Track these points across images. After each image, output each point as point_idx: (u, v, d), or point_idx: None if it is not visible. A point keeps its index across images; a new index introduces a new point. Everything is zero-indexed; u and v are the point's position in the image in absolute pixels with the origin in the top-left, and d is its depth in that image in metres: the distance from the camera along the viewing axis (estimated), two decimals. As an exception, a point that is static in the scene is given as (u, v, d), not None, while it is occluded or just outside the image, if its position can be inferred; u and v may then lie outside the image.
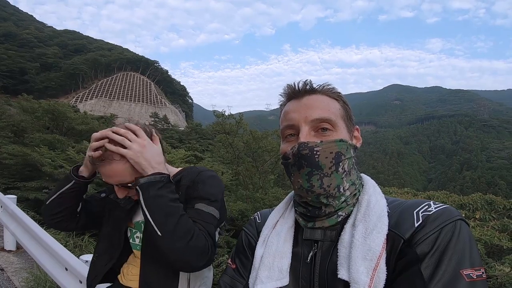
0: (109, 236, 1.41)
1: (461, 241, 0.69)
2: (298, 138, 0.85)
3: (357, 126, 0.94)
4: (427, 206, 0.76)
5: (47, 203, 1.38)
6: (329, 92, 0.91)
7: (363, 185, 0.91)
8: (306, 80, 0.91)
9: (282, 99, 0.97)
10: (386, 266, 0.72)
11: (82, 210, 1.44)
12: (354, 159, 0.89)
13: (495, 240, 4.18)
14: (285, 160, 0.88)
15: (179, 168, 1.42)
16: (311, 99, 0.88)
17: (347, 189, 0.86)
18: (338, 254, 0.79)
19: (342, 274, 0.74)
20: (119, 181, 1.20)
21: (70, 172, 1.36)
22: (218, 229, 1.31)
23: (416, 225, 0.73)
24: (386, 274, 0.71)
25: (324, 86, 0.91)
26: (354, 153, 0.89)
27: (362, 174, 0.96)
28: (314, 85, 0.91)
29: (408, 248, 0.72)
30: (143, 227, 1.32)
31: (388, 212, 0.80)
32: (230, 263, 1.03)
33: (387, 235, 0.75)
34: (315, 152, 0.82)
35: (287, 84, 0.93)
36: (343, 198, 0.85)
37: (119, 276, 1.43)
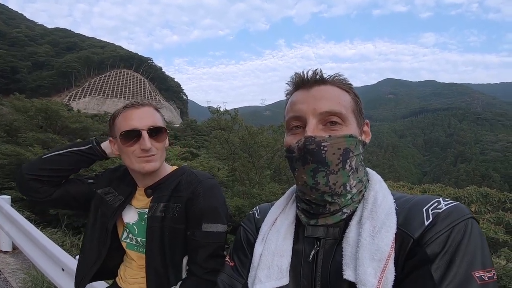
0: (95, 234, 1.35)
1: (473, 241, 0.66)
2: (305, 131, 0.79)
3: (367, 121, 0.87)
4: (436, 203, 0.72)
5: (44, 156, 1.31)
6: (340, 83, 0.84)
7: (368, 181, 0.86)
8: (316, 69, 0.84)
9: (289, 87, 0.89)
10: (394, 266, 0.69)
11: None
12: (362, 155, 0.84)
13: (490, 233, 4.21)
14: (290, 154, 0.83)
15: (174, 167, 1.37)
16: (321, 90, 0.82)
17: (354, 186, 0.81)
18: (343, 253, 0.75)
19: (348, 275, 0.71)
20: (152, 123, 1.21)
21: (93, 139, 1.36)
22: None
23: (426, 223, 0.70)
24: (395, 275, 0.68)
25: (335, 77, 0.84)
26: (363, 149, 0.84)
27: (367, 169, 0.90)
28: (325, 75, 0.84)
29: (418, 248, 0.68)
30: (136, 230, 1.29)
31: (396, 209, 0.76)
32: (228, 260, 0.99)
33: (396, 233, 0.72)
34: (322, 148, 0.76)
35: (295, 73, 0.86)
36: (349, 196, 0.81)
37: (117, 278, 1.40)
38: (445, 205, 0.71)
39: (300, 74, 0.85)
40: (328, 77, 0.84)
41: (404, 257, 0.70)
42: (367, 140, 0.86)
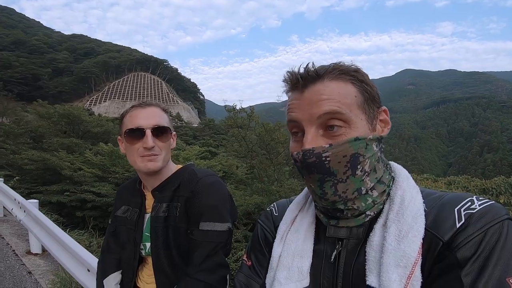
0: (124, 250, 1.37)
1: (509, 244, 0.61)
2: (304, 140, 0.72)
3: (384, 107, 0.76)
4: (470, 203, 0.67)
5: None
6: (339, 74, 0.72)
7: (394, 178, 0.78)
8: (308, 65, 0.73)
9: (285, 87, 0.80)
10: (421, 271, 0.65)
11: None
12: (381, 150, 0.76)
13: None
14: (294, 163, 0.77)
15: (178, 166, 1.37)
16: (316, 90, 0.71)
17: (373, 188, 0.74)
18: (366, 257, 0.71)
19: (372, 281, 0.67)
20: (156, 122, 1.23)
21: None
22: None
23: (458, 225, 0.64)
24: (421, 281, 0.64)
25: (333, 68, 0.72)
26: (379, 145, 0.74)
27: (392, 163, 0.82)
28: (320, 68, 0.73)
29: (448, 252, 0.64)
30: (149, 237, 1.30)
31: (425, 210, 0.70)
32: (246, 259, 0.95)
33: (424, 236, 0.67)
34: (324, 159, 0.69)
35: (287, 72, 0.76)
36: (369, 200, 0.74)
37: (136, 279, 1.41)
38: (479, 204, 0.66)
39: (291, 74, 0.75)
40: (323, 70, 0.72)
41: (432, 261, 0.66)
42: (386, 131, 0.76)
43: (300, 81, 0.73)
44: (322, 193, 0.73)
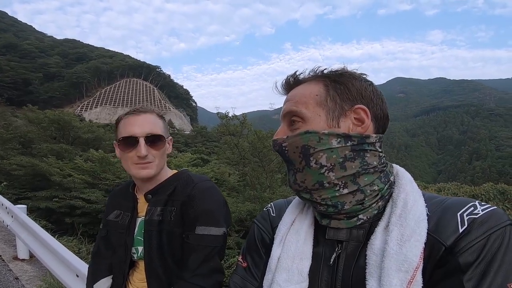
0: (115, 255, 1.36)
1: (511, 250, 0.62)
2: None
3: (360, 105, 0.75)
4: (472, 208, 0.67)
5: None
6: (314, 77, 0.80)
7: (394, 182, 0.78)
8: (291, 75, 0.83)
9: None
10: (421, 275, 0.65)
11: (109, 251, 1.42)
12: (358, 149, 0.74)
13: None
14: None
15: (174, 171, 1.38)
16: (291, 93, 0.82)
17: (344, 186, 0.73)
18: (367, 261, 0.71)
19: (372, 285, 0.67)
20: (150, 130, 1.22)
21: None
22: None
23: (461, 230, 0.64)
24: (422, 286, 0.64)
25: (310, 72, 0.82)
26: (347, 142, 0.73)
27: (395, 166, 0.83)
28: (300, 75, 0.82)
29: (450, 256, 0.64)
30: (141, 241, 1.30)
31: (427, 214, 0.70)
32: (241, 260, 0.94)
33: (426, 240, 0.67)
34: (284, 148, 0.77)
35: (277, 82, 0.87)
36: (341, 197, 0.74)
37: (126, 282, 1.41)
38: (482, 210, 0.66)
39: (283, 81, 0.85)
40: (301, 76, 0.82)
41: (433, 265, 0.66)
42: (360, 129, 0.75)
43: (284, 88, 0.84)
44: (288, 181, 0.80)
